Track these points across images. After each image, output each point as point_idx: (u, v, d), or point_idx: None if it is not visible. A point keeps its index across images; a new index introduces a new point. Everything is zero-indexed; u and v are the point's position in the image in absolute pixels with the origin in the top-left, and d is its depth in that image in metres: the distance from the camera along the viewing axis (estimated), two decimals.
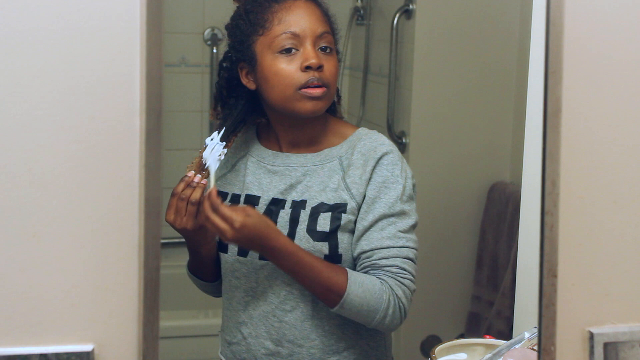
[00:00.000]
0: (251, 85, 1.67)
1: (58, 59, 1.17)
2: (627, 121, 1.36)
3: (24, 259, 1.18)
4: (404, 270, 1.59)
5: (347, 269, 1.59)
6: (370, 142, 1.66)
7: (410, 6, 2.83)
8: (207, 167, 1.56)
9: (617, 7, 1.34)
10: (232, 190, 1.71)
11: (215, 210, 1.51)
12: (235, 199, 1.69)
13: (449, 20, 2.78)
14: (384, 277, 1.58)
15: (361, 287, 1.56)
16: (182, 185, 1.57)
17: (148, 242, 1.18)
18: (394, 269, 1.59)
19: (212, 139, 1.57)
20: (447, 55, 2.79)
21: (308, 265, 1.56)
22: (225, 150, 1.58)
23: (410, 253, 1.61)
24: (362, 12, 3.16)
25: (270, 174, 1.68)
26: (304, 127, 1.68)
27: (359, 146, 1.66)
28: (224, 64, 1.71)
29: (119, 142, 1.19)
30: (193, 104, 3.27)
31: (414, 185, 1.66)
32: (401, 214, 1.61)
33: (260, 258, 1.64)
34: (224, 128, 1.66)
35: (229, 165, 1.73)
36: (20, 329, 1.19)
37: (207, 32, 3.24)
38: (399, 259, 1.59)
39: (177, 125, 3.18)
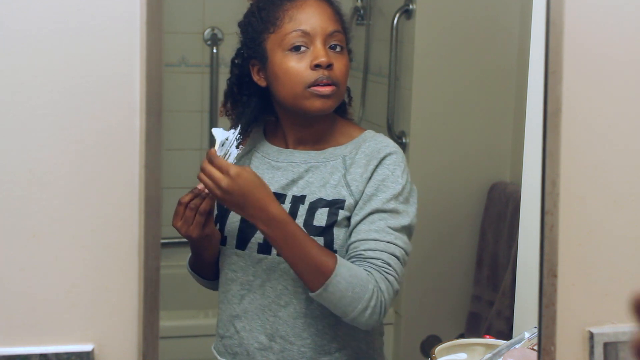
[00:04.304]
0: (262, 83, 1.67)
1: (58, 59, 1.17)
2: (627, 121, 1.36)
3: (24, 259, 1.18)
4: (389, 265, 1.56)
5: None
6: (375, 143, 1.66)
7: (410, 6, 2.83)
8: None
9: (617, 7, 1.34)
10: None
11: (211, 160, 1.51)
12: None
13: (449, 20, 2.78)
14: (369, 269, 1.56)
15: (349, 272, 1.53)
16: (190, 196, 1.57)
17: (148, 242, 1.18)
18: (379, 262, 1.56)
19: (226, 140, 1.58)
20: (447, 55, 2.78)
21: (298, 239, 1.53)
22: (239, 151, 1.59)
23: (397, 251, 1.58)
24: (362, 12, 3.15)
25: (273, 169, 1.68)
26: (311, 125, 1.68)
27: (363, 147, 1.66)
28: (236, 61, 1.72)
29: (119, 142, 1.19)
30: (193, 104, 3.26)
31: (414, 190, 1.66)
32: (394, 211, 1.60)
33: (259, 251, 1.64)
34: (239, 126, 1.65)
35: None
36: (20, 329, 1.19)
37: (207, 32, 3.23)
38: (385, 253, 1.57)
39: (177, 125, 3.17)
